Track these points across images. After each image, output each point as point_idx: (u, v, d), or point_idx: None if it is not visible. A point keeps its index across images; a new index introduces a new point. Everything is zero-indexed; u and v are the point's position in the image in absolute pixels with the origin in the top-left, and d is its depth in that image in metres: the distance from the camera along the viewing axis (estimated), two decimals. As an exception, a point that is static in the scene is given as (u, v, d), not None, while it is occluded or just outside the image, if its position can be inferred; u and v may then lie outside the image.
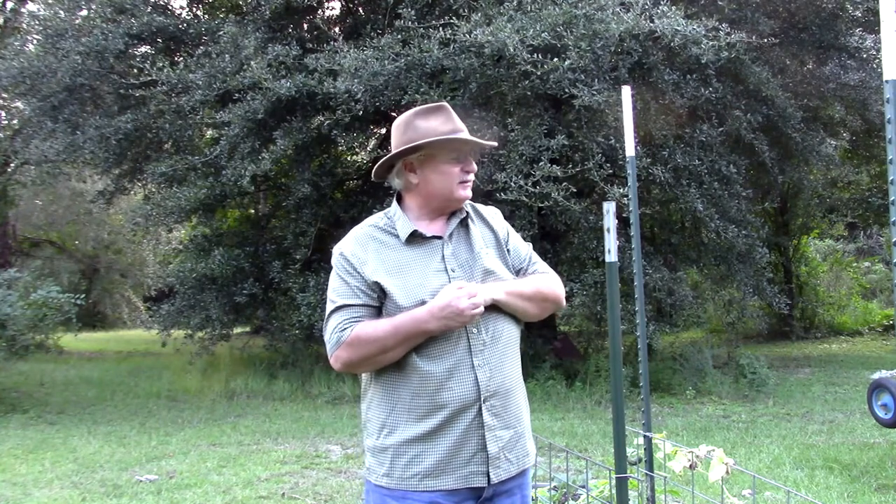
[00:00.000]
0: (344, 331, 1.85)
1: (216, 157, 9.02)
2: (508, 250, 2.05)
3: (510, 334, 1.95)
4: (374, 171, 2.06)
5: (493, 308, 1.91)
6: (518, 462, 1.94)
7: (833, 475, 5.13)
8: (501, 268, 1.99)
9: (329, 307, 1.93)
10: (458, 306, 1.79)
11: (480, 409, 1.86)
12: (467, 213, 2.01)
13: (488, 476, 1.88)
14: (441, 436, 1.85)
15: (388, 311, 1.88)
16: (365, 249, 1.93)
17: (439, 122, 1.96)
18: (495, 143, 2.02)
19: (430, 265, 1.92)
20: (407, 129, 1.97)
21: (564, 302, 2.09)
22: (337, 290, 1.92)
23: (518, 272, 2.04)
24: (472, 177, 1.99)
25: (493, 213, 2.10)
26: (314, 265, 9.71)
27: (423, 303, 1.84)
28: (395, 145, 1.98)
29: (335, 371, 2.00)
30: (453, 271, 1.91)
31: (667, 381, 9.31)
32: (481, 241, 2.00)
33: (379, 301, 1.89)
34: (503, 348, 1.92)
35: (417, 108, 2.01)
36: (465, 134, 1.96)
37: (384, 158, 2.01)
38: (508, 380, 1.92)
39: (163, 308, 10.36)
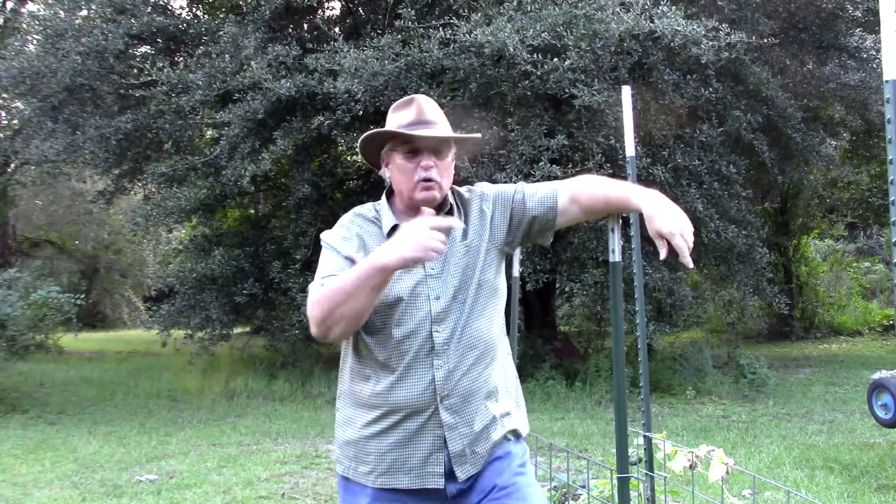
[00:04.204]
0: (317, 290, 1.79)
1: (216, 157, 9.01)
2: (514, 214, 1.92)
3: (481, 333, 1.87)
4: (364, 156, 2.01)
5: (462, 306, 1.84)
6: (487, 454, 1.87)
7: (833, 475, 5.13)
8: (480, 257, 1.89)
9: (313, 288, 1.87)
10: (419, 242, 1.64)
11: (437, 409, 1.81)
12: (451, 205, 1.91)
13: (453, 474, 1.83)
14: (393, 435, 1.83)
15: None
16: (349, 232, 1.92)
17: (402, 116, 1.87)
18: (439, 135, 1.81)
19: None
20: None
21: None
22: (321, 271, 1.88)
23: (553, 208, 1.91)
24: (432, 174, 1.83)
25: (477, 194, 1.96)
26: (314, 265, 9.66)
27: (397, 298, 1.81)
28: None
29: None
30: (432, 269, 1.85)
31: (667, 382, 9.31)
32: (469, 233, 1.90)
33: None
34: (470, 348, 1.84)
35: (397, 101, 1.94)
36: (412, 128, 1.81)
37: (358, 148, 1.97)
38: (474, 379, 1.85)
39: (163, 308, 10.35)
